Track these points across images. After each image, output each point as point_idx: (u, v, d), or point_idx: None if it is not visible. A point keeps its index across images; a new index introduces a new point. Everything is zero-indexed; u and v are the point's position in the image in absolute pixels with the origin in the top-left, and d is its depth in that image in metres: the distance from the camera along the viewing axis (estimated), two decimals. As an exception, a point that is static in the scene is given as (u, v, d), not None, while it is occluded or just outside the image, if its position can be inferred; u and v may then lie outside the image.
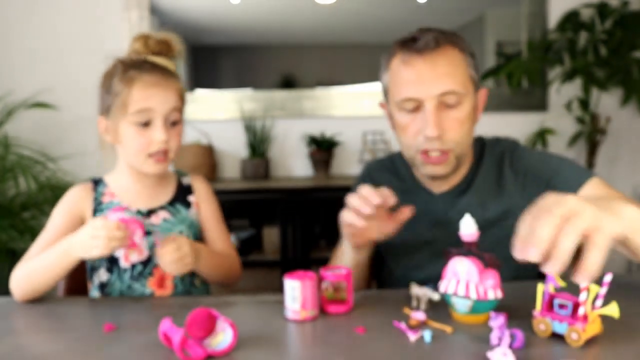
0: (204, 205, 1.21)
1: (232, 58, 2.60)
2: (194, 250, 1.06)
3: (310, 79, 2.59)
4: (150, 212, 1.15)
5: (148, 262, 1.14)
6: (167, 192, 1.19)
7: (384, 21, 2.52)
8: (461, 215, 1.12)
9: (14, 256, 2.06)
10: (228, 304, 0.99)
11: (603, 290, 0.78)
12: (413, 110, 1.06)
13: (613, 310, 0.77)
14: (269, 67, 2.60)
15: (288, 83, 2.58)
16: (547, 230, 0.66)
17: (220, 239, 1.21)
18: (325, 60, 2.63)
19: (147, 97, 1.07)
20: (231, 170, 2.62)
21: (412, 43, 1.06)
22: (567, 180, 1.06)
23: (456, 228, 1.12)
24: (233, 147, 2.58)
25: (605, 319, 0.79)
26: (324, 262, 1.30)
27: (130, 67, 1.09)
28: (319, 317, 0.91)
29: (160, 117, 1.08)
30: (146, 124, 1.08)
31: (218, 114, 2.58)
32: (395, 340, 0.81)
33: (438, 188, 1.17)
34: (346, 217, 0.98)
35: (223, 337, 0.78)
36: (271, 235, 2.43)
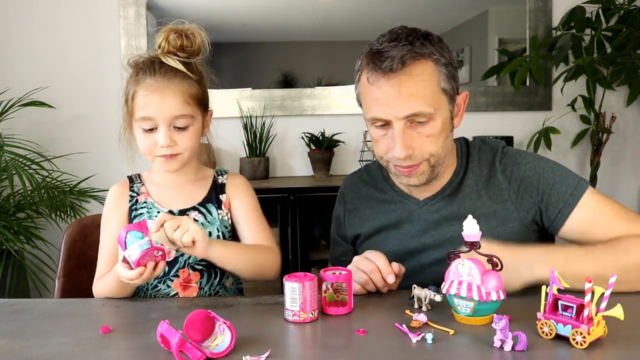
0: (236, 201, 1.18)
1: (231, 56, 2.58)
2: (205, 236, 0.99)
3: (310, 77, 2.57)
4: (182, 213, 1.13)
5: (174, 264, 1.11)
6: (201, 192, 1.17)
7: (385, 18, 2.50)
8: (449, 220, 1.10)
9: (8, 257, 2.04)
10: (227, 305, 0.98)
11: (608, 292, 0.76)
12: (383, 126, 1.05)
13: (618, 312, 0.76)
14: (269, 65, 2.58)
15: (288, 81, 2.57)
16: None
17: (254, 232, 1.16)
18: (326, 58, 2.61)
19: (148, 104, 1.06)
20: (230, 170, 2.60)
21: (379, 61, 1.01)
22: (562, 196, 1.05)
23: (446, 233, 1.11)
24: (232, 146, 2.56)
25: (609, 321, 0.78)
26: (323, 263, 1.29)
27: (139, 70, 1.09)
28: (319, 318, 0.90)
29: (163, 123, 1.07)
30: (152, 130, 1.08)
31: (216, 112, 2.55)
32: (396, 342, 0.80)
33: (421, 194, 1.14)
34: (356, 287, 0.98)
35: (222, 339, 0.77)
36: (271, 236, 2.41)
